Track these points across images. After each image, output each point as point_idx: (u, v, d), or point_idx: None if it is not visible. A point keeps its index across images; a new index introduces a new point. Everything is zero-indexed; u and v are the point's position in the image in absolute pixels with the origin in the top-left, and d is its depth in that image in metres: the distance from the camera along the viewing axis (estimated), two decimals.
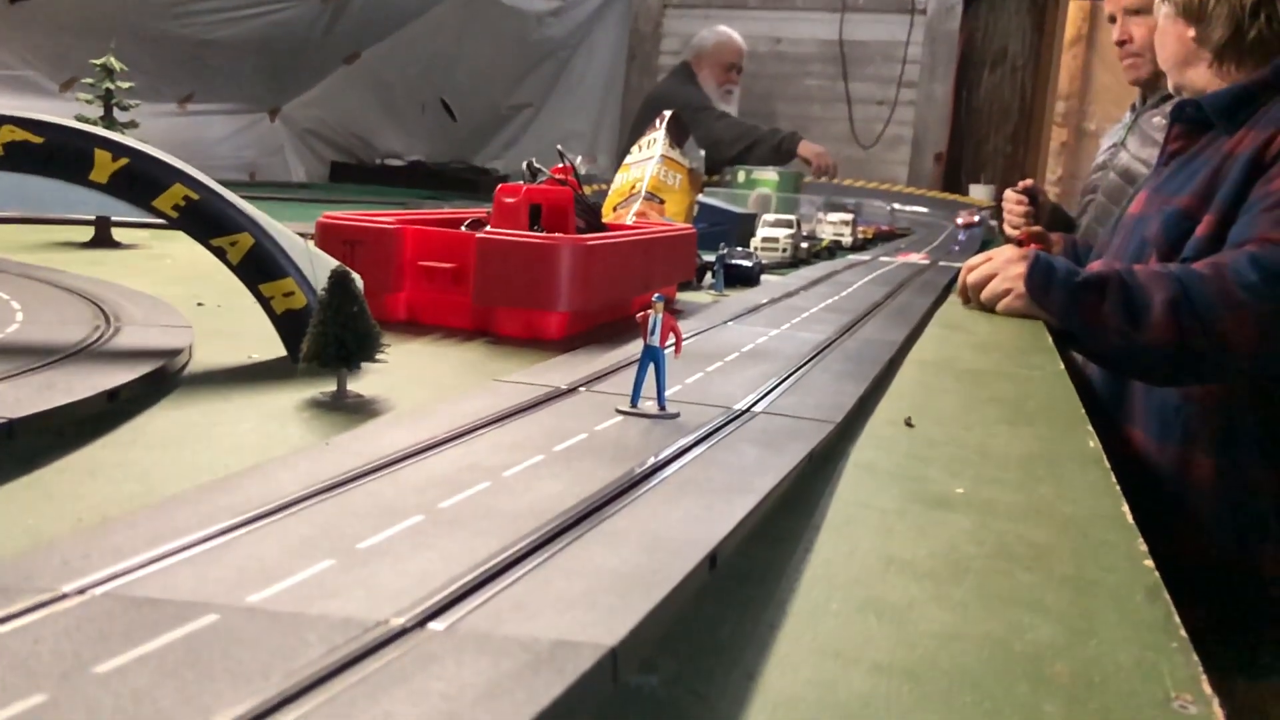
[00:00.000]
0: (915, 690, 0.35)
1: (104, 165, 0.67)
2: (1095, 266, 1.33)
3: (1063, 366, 1.01)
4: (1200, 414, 1.34)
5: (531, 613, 0.31)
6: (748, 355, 0.83)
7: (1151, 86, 2.09)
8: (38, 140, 0.65)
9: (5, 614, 0.29)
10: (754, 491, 0.46)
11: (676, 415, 0.60)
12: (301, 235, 0.75)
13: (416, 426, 0.53)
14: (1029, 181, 2.36)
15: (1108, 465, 0.65)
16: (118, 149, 0.67)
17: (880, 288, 1.39)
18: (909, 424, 0.71)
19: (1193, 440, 1.35)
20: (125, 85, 1.39)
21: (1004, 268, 1.35)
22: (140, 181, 0.68)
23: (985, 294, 1.37)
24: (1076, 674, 0.37)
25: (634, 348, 0.82)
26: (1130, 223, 1.50)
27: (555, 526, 0.39)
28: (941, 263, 1.89)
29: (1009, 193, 2.33)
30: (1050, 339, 1.19)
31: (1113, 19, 2.13)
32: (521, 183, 1.05)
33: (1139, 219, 1.47)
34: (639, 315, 0.62)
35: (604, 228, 1.14)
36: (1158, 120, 2.05)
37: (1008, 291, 1.34)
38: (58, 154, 0.66)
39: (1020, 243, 1.95)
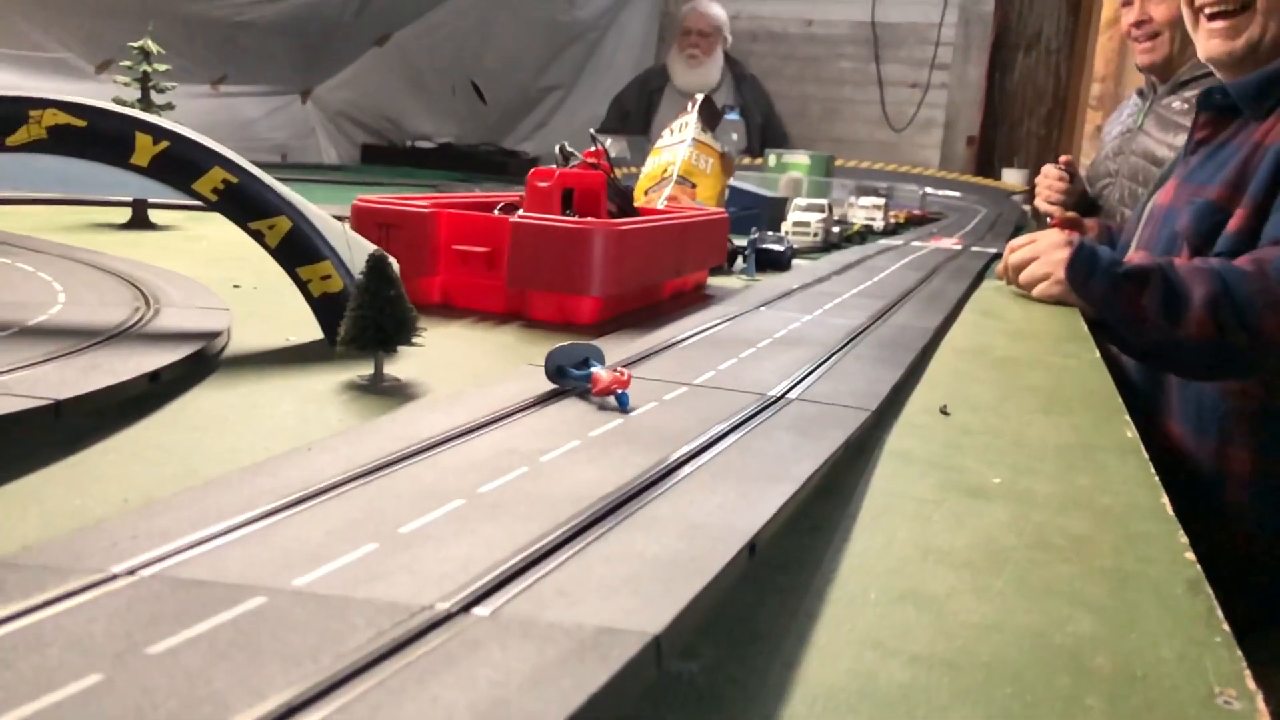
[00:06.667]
0: (954, 682, 0.35)
1: (145, 149, 0.67)
2: (1135, 258, 1.30)
3: (1098, 355, 1.00)
4: (1238, 410, 1.32)
5: (575, 599, 0.31)
6: (780, 341, 0.82)
7: (1165, 71, 2.07)
8: (80, 124, 0.66)
9: (60, 593, 0.29)
10: (791, 479, 0.46)
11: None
12: (336, 218, 0.75)
13: (453, 410, 0.53)
14: (1068, 157, 2.33)
15: (1146, 456, 0.64)
16: (158, 132, 0.68)
17: (913, 273, 1.38)
18: (944, 412, 0.71)
19: (1230, 435, 1.33)
20: (162, 68, 1.40)
21: (1047, 251, 1.34)
22: (180, 165, 0.69)
23: (1024, 276, 1.36)
24: (1118, 667, 0.37)
25: (667, 332, 0.82)
26: (1159, 214, 1.47)
27: (595, 512, 0.39)
28: (975, 248, 1.87)
29: (1049, 168, 2.30)
30: (1085, 327, 1.17)
31: (1128, 1, 2.09)
32: (554, 167, 1.05)
33: (1168, 210, 1.45)
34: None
35: (636, 212, 1.14)
36: (1177, 105, 2.02)
37: (1047, 276, 1.32)
38: (100, 137, 0.67)
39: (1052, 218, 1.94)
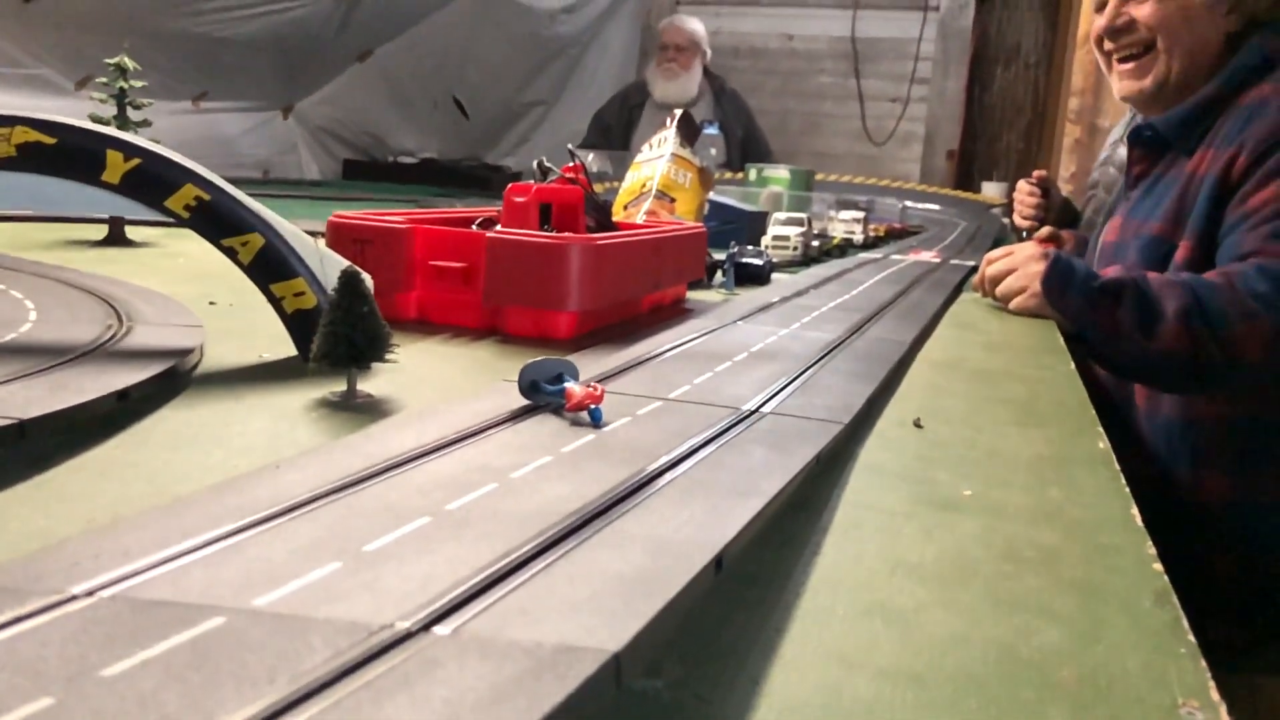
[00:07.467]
0: (920, 695, 0.35)
1: (116, 166, 0.67)
2: (1110, 272, 1.32)
3: (1073, 366, 1.01)
4: (1208, 435, 1.34)
5: (536, 617, 0.31)
6: (757, 355, 0.82)
7: None
8: (50, 141, 0.66)
9: (15, 616, 0.29)
10: (760, 494, 0.46)
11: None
12: (315, 234, 0.75)
13: (425, 427, 0.53)
14: (1042, 173, 2.35)
15: (1117, 468, 0.65)
16: (129, 149, 0.68)
17: (891, 286, 1.39)
18: (918, 425, 0.71)
19: (1203, 460, 1.34)
20: (139, 84, 1.40)
21: (1023, 264, 1.35)
22: (152, 182, 0.68)
23: (1000, 289, 1.37)
24: (1083, 679, 0.37)
25: (644, 347, 0.82)
26: (1109, 251, 1.50)
27: (562, 529, 0.39)
28: (953, 261, 1.88)
29: (1022, 183, 2.32)
30: (1061, 339, 1.18)
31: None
32: (532, 182, 1.05)
33: (1117, 247, 1.48)
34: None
35: (614, 226, 1.14)
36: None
37: (1023, 289, 1.33)
38: (70, 155, 0.67)
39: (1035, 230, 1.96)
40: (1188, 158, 1.39)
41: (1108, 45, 1.48)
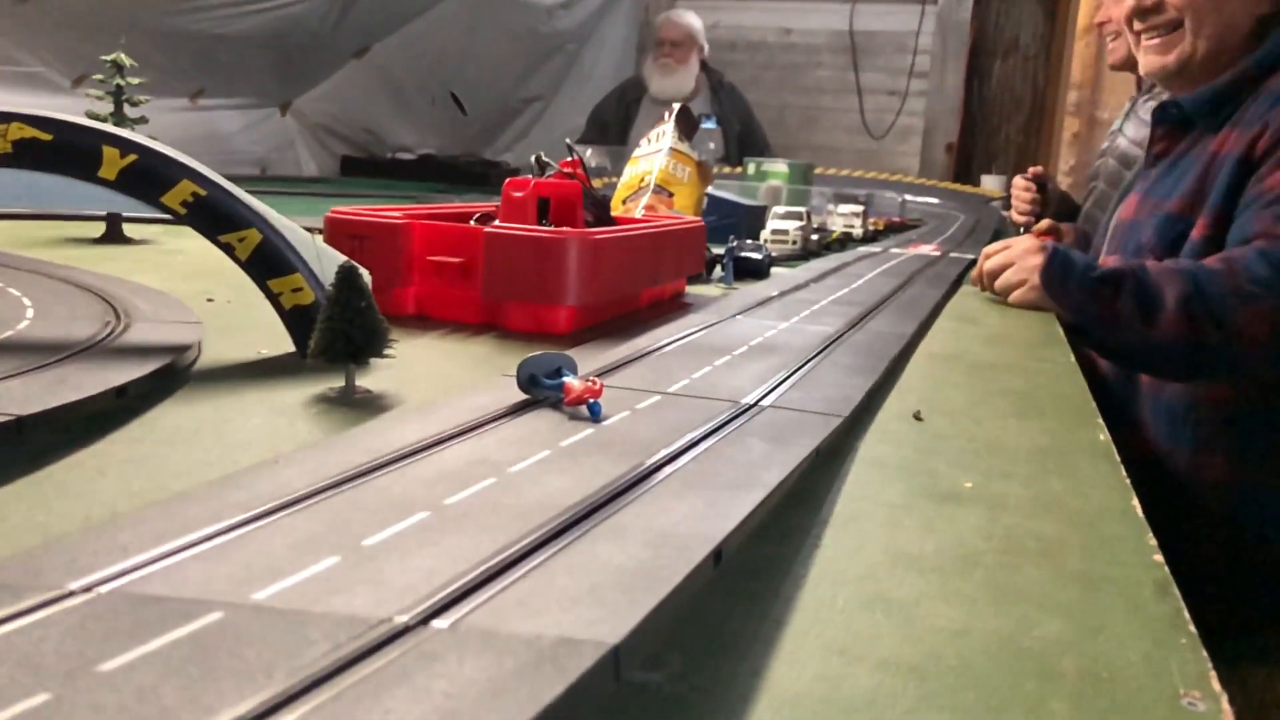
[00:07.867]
0: (921, 687, 0.35)
1: (112, 162, 0.67)
2: (1109, 262, 1.32)
3: (1073, 359, 1.01)
4: (1210, 418, 1.33)
5: (535, 610, 0.31)
6: (756, 349, 0.82)
7: (1133, 68, 2.09)
8: (46, 137, 0.65)
9: (12, 612, 0.29)
10: (760, 486, 0.46)
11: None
12: (313, 230, 0.75)
13: (424, 422, 0.53)
14: (1038, 169, 2.35)
15: (1117, 459, 0.65)
16: (126, 145, 0.67)
17: (891, 280, 1.39)
18: (918, 417, 0.71)
19: (1203, 443, 1.34)
20: (135, 81, 1.39)
21: (1021, 258, 1.35)
22: (148, 178, 0.68)
23: (999, 283, 1.37)
24: (1084, 670, 0.37)
25: (643, 341, 0.82)
26: (1124, 228, 1.50)
27: (561, 523, 0.39)
28: (953, 254, 1.88)
29: (1018, 179, 2.33)
30: (1061, 331, 1.18)
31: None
32: (530, 177, 1.05)
33: (1132, 224, 1.47)
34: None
35: (612, 221, 1.14)
36: (1153, 104, 2.04)
37: (1022, 282, 1.33)
38: (66, 151, 0.66)
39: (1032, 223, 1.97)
40: (1212, 136, 1.38)
41: (1137, 25, 1.48)
